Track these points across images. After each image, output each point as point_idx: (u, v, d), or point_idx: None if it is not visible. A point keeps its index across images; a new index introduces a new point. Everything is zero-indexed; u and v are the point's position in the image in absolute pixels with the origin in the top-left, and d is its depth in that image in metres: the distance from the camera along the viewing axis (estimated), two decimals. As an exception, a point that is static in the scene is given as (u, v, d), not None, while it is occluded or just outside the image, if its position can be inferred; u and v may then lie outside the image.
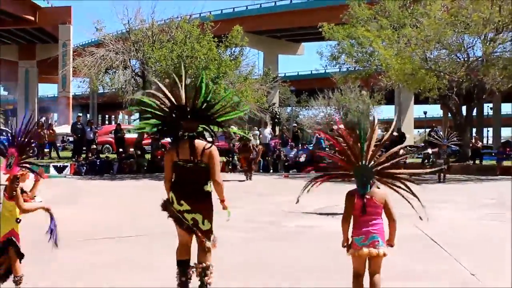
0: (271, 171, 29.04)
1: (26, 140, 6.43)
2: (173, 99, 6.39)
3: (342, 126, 6.08)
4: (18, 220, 6.39)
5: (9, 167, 6.23)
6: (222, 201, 6.39)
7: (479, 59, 27.74)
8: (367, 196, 5.84)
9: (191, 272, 6.35)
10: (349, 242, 5.99)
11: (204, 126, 6.42)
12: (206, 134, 6.50)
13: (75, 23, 52.77)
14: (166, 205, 6.29)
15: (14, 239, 6.34)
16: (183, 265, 6.30)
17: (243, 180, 23.07)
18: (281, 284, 7.39)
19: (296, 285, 7.37)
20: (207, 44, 26.56)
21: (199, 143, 6.23)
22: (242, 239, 10.53)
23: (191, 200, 6.15)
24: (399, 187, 6.05)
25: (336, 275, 7.21)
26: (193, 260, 6.45)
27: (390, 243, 6.02)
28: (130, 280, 7.39)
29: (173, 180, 6.31)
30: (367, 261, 5.94)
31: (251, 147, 23.90)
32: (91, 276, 7.62)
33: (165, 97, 6.41)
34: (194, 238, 6.40)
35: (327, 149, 24.64)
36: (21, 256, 6.41)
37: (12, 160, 6.25)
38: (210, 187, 6.26)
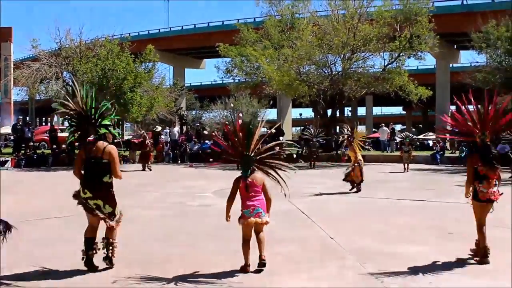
0: (179, 162, 28.89)
1: None
2: (77, 108, 6.58)
3: (241, 121, 6.23)
4: None
5: None
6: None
7: (340, 73, 28.53)
8: (249, 180, 6.21)
9: (96, 248, 6.35)
10: (237, 215, 6.30)
11: (105, 130, 6.54)
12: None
13: (15, 41, 50.44)
14: (76, 195, 6.39)
15: None
16: (88, 242, 6.31)
17: (145, 170, 22.65)
18: (186, 249, 7.48)
19: (199, 249, 7.49)
20: (126, 60, 26.23)
21: (101, 143, 6.41)
22: (156, 216, 10.55)
23: (93, 189, 6.28)
24: (271, 173, 6.49)
25: (228, 241, 7.37)
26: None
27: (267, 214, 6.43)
28: (59, 252, 7.27)
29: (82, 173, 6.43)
30: (252, 228, 6.31)
31: (147, 143, 23.66)
32: (27, 248, 7.44)
33: (72, 105, 6.59)
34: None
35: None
36: None
37: None
38: (109, 178, 6.38)
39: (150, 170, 22.70)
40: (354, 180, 14.45)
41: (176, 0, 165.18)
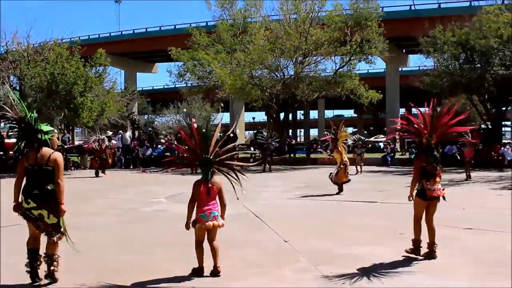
0: (131, 167, 28.52)
1: None
2: (15, 114, 6.15)
3: (195, 125, 6.18)
4: None
5: None
6: (60, 203, 5.95)
7: (292, 77, 28.78)
8: (209, 184, 6.18)
9: (40, 259, 6.02)
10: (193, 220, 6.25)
11: (46, 136, 6.14)
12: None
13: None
14: (16, 206, 5.98)
15: None
16: (31, 254, 5.98)
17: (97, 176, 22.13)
18: (140, 256, 7.36)
19: (153, 256, 7.39)
20: (75, 64, 25.74)
21: (46, 150, 6.03)
22: (108, 223, 10.34)
23: (36, 198, 5.89)
24: (231, 175, 6.45)
25: (182, 246, 7.29)
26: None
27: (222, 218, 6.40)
28: (6, 260, 7.03)
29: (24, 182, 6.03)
30: (206, 232, 6.26)
31: (103, 148, 23.13)
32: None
33: (12, 112, 6.18)
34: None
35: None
36: None
37: None
38: (53, 186, 5.95)
39: (105, 174, 22.27)
40: (336, 182, 14.60)
41: (127, 4, 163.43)
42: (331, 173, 14.89)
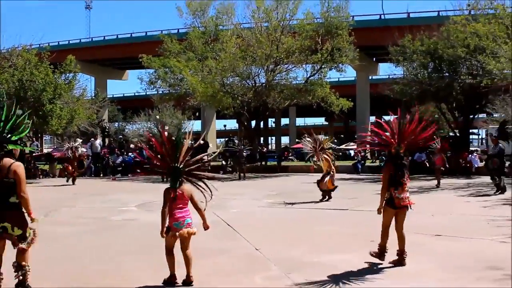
0: (101, 175, 28.20)
1: None
2: None
3: (166, 133, 6.17)
4: None
5: None
6: (29, 214, 5.81)
7: (263, 84, 28.85)
8: (179, 191, 6.15)
9: (1, 275, 5.87)
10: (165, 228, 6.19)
11: (13, 146, 5.95)
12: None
13: None
14: None
15: None
16: None
17: (69, 184, 21.82)
18: (109, 266, 7.28)
19: (122, 265, 7.30)
20: (44, 70, 25.33)
21: (7, 161, 5.79)
22: (77, 232, 10.18)
23: None
24: (199, 185, 6.42)
25: (152, 255, 7.23)
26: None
27: (205, 225, 6.42)
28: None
29: None
30: (178, 240, 6.24)
31: (77, 156, 22.78)
32: None
33: None
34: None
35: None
36: None
37: None
38: (16, 199, 5.76)
39: (74, 183, 21.90)
40: (325, 189, 14.75)
41: (98, 10, 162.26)
42: (318, 180, 15.03)
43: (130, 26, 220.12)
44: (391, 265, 7.00)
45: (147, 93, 38.80)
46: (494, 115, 37.73)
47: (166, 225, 6.18)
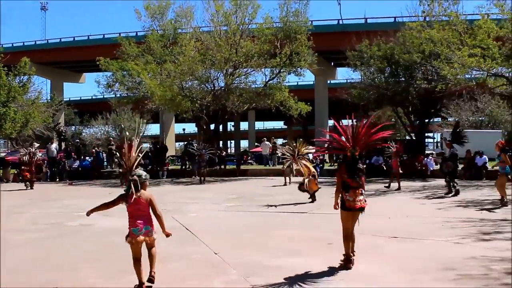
0: (57, 179, 27.66)
1: None
2: None
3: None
4: None
5: None
6: None
7: (222, 88, 28.80)
8: (135, 197, 6.09)
9: None
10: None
11: None
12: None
13: None
14: None
15: None
16: None
17: (28, 189, 21.42)
18: (65, 273, 7.15)
19: (78, 272, 7.18)
20: (-3, 73, 24.80)
21: None
22: (31, 239, 9.96)
23: None
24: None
25: (110, 261, 7.14)
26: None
27: (165, 233, 6.42)
28: None
29: None
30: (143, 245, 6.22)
31: (34, 161, 22.33)
32: None
33: None
34: None
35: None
36: None
37: None
38: None
39: (32, 188, 21.45)
40: (307, 190, 15.27)
41: (54, 11, 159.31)
42: (300, 183, 15.61)
43: (88, 29, 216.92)
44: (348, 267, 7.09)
45: (105, 96, 38.35)
46: (448, 119, 38.75)
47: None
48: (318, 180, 15.93)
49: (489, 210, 12.87)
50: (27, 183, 21.56)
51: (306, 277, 6.65)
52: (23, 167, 22.43)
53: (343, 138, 7.36)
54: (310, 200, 15.14)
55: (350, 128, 7.35)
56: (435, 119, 41.28)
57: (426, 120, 30.09)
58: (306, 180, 15.25)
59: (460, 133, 17.75)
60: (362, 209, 7.17)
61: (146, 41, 30.82)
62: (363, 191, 7.20)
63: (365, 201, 7.23)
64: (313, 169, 15.48)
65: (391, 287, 6.22)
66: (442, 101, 28.95)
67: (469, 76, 25.16)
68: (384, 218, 11.27)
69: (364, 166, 7.52)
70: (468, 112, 35.47)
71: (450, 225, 10.42)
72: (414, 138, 29.91)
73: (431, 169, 24.88)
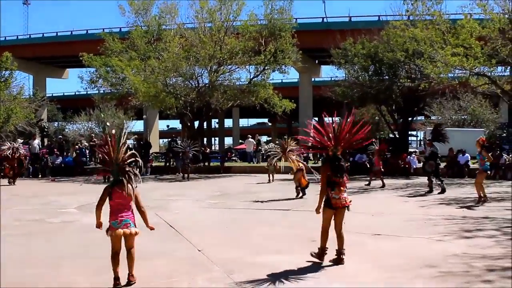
0: (40, 176, 27.44)
1: None
2: None
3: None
4: None
5: None
6: None
7: (206, 85, 28.75)
8: (118, 190, 6.13)
9: None
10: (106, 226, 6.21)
11: None
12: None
13: None
14: None
15: None
16: None
17: (11, 185, 21.26)
18: (45, 270, 7.09)
19: (59, 269, 7.13)
20: (-22, 67, 24.53)
21: None
22: (11, 236, 9.82)
23: None
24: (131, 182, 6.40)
25: (91, 258, 7.10)
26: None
27: (148, 227, 6.45)
28: None
29: None
30: (122, 239, 6.21)
31: (16, 156, 22.18)
32: None
33: None
34: None
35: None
36: None
37: None
38: None
39: (14, 184, 21.34)
40: (300, 186, 15.64)
41: (36, 6, 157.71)
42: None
43: (71, 24, 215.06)
44: (330, 263, 7.15)
45: (88, 92, 37.99)
46: (431, 118, 39.00)
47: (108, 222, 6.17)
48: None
49: (470, 207, 13.00)
50: (11, 179, 21.49)
51: (289, 273, 6.69)
52: (5, 163, 22.29)
53: (325, 138, 7.39)
54: (299, 195, 15.53)
55: (331, 127, 7.41)
56: (419, 118, 41.50)
57: (410, 119, 30.24)
58: (294, 171, 15.70)
59: (440, 132, 17.86)
60: (347, 207, 7.22)
61: (130, 37, 30.66)
62: (345, 189, 7.27)
63: (350, 201, 7.31)
64: (300, 164, 15.74)
65: (372, 286, 6.26)
66: (425, 99, 29.11)
67: (452, 75, 25.32)
68: (367, 215, 11.33)
69: (348, 164, 7.58)
70: (451, 111, 35.70)
71: (432, 223, 10.51)
72: (397, 136, 30.06)
73: (414, 167, 25.06)
